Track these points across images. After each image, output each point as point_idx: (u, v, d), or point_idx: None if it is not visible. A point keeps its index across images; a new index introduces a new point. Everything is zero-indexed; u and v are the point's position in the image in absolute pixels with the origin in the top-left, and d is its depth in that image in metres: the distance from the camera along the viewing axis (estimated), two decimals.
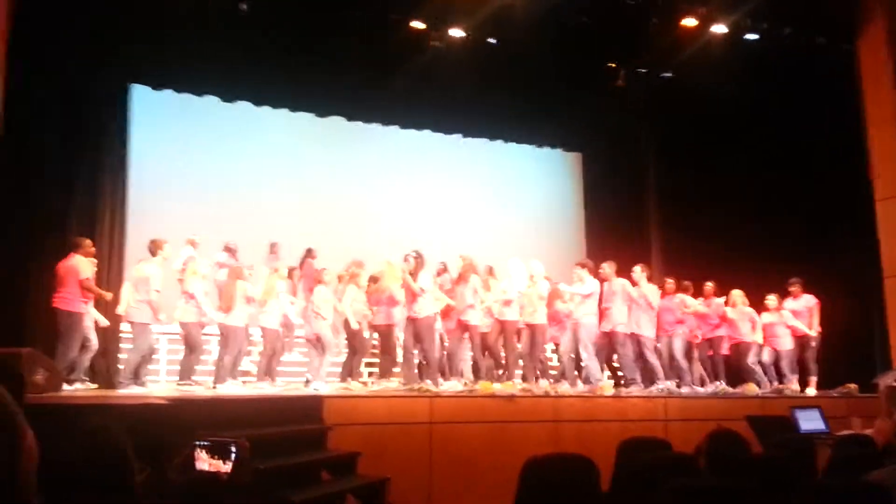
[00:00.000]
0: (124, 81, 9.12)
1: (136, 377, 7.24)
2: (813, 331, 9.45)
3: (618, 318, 8.46)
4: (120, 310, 7.59)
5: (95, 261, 7.55)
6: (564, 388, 7.98)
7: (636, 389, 8.24)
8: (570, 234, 12.11)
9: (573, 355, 8.51)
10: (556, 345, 9.08)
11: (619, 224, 11.71)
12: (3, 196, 7.56)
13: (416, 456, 6.40)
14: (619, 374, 8.86)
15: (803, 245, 10.63)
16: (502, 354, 8.50)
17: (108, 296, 7.48)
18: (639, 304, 8.59)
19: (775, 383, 9.23)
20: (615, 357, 8.81)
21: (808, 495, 2.95)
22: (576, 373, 8.59)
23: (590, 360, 8.21)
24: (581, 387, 8.25)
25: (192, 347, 7.58)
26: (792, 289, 9.64)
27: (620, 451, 4.17)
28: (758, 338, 9.36)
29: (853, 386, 8.94)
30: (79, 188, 8.46)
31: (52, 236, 8.14)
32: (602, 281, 8.62)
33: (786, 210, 10.88)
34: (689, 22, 9.53)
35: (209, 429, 3.74)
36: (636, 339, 8.55)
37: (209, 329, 8.01)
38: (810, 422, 5.75)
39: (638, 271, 8.91)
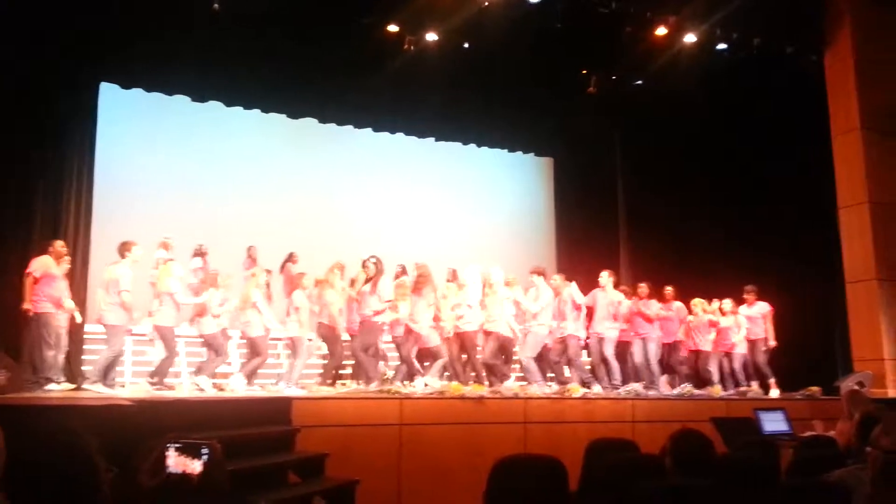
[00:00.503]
0: (92, 79, 8.94)
1: (104, 378, 7.14)
2: (770, 339, 9.65)
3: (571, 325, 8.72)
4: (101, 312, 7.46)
5: (68, 258, 7.46)
6: (533, 389, 8.02)
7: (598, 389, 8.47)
8: (540, 238, 12.18)
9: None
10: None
11: (589, 228, 11.83)
12: None
13: (386, 458, 6.39)
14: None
15: (769, 250, 10.82)
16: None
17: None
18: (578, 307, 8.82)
19: (741, 387, 9.41)
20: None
21: (771, 495, 3.01)
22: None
23: (530, 364, 8.33)
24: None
25: (167, 350, 7.55)
26: (747, 296, 9.81)
27: (588, 452, 4.21)
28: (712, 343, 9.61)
29: (816, 389, 9.12)
30: (42, 188, 8.25)
31: (16, 237, 7.98)
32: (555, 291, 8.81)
33: (752, 216, 11.08)
34: (661, 31, 9.66)
35: (176, 430, 3.69)
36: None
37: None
38: (774, 423, 5.85)
39: (605, 277, 9.06)
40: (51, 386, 6.89)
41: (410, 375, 8.03)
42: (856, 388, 7.83)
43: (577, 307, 8.76)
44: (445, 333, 8.27)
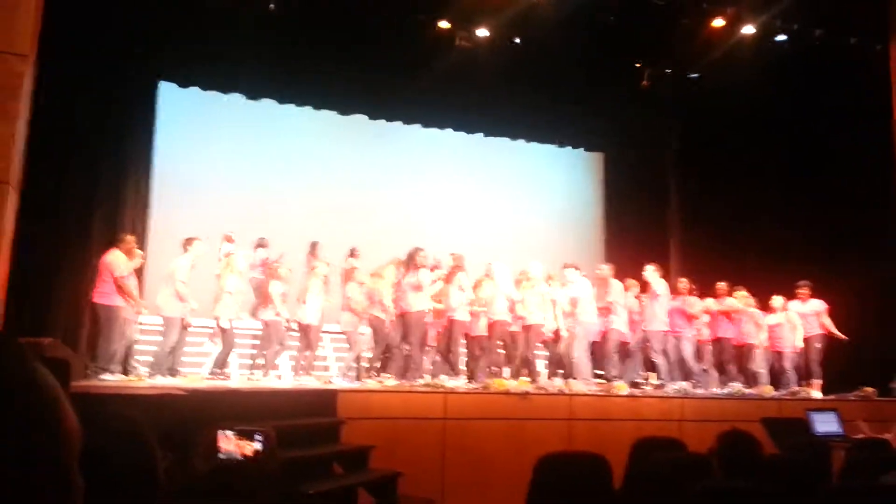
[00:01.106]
0: (151, 78, 9.23)
1: (162, 369, 7.42)
2: (835, 334, 9.36)
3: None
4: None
5: (141, 253, 7.78)
6: (579, 386, 7.97)
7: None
8: (590, 234, 12.05)
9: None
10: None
11: (639, 225, 11.65)
12: (29, 192, 7.70)
13: (429, 451, 6.42)
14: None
15: (828, 246, 10.51)
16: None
17: (137, 304, 7.53)
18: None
19: (792, 387, 9.19)
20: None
21: (823, 497, 2.95)
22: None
23: (580, 361, 8.24)
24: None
25: (225, 342, 7.82)
26: (800, 291, 9.54)
27: (634, 450, 4.18)
28: (763, 341, 9.36)
29: (871, 389, 8.82)
30: (103, 184, 8.56)
31: (77, 232, 8.29)
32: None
33: (811, 212, 10.76)
34: (718, 23, 9.46)
35: (230, 419, 3.80)
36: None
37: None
38: (826, 424, 5.70)
39: (651, 270, 8.97)
40: (105, 376, 7.12)
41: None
42: None
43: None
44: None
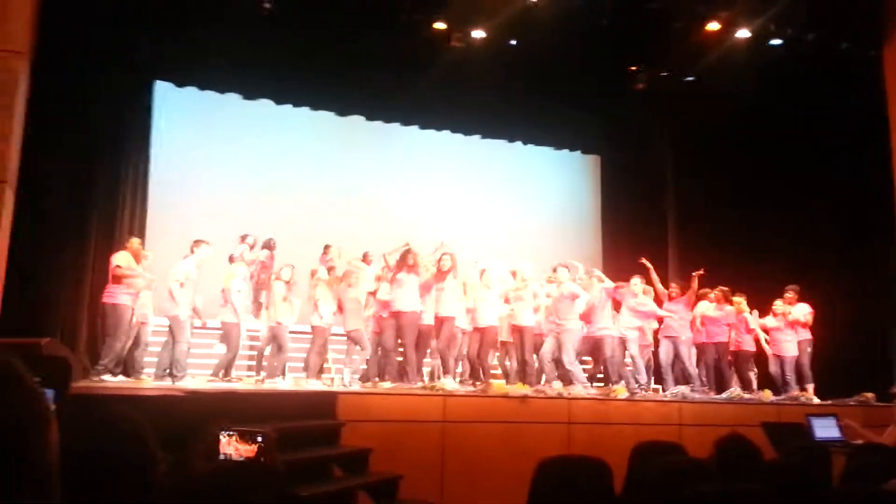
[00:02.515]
0: (148, 78, 9.21)
1: (167, 371, 7.46)
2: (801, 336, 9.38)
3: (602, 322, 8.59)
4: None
5: (149, 255, 7.87)
6: (578, 390, 7.97)
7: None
8: (586, 236, 12.08)
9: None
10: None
11: (636, 227, 11.67)
12: (26, 191, 7.68)
13: (429, 454, 6.42)
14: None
15: (824, 250, 10.54)
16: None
17: (142, 278, 7.59)
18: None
19: (791, 391, 9.19)
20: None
21: (822, 502, 2.95)
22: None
23: (571, 366, 8.18)
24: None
25: (228, 346, 7.87)
26: (787, 296, 9.52)
27: (634, 454, 4.17)
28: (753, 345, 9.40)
29: (870, 395, 8.85)
30: (99, 183, 8.55)
31: (74, 231, 8.27)
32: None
33: (806, 216, 10.79)
34: (713, 26, 9.48)
35: (227, 421, 3.79)
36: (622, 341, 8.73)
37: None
38: (826, 429, 5.70)
39: (637, 283, 8.93)
40: (106, 376, 7.15)
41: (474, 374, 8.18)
42: None
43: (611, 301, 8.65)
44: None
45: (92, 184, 8.50)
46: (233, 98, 9.86)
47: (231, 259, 8.21)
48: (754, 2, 9.28)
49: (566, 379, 8.18)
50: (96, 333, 8.00)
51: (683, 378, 8.93)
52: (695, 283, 9.06)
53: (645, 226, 11.63)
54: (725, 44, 9.67)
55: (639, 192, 11.86)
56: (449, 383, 7.54)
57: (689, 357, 8.95)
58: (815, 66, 9.96)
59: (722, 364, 9.24)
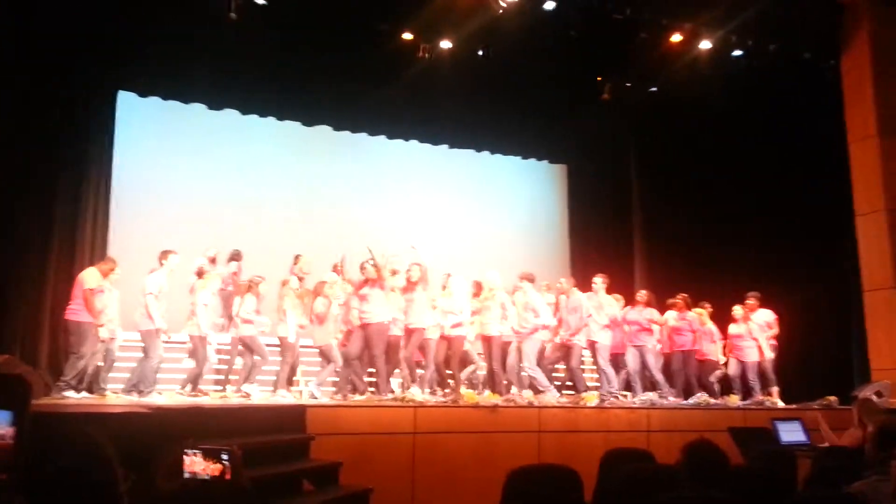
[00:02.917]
0: (110, 88, 9.05)
1: (136, 386, 7.33)
2: (767, 349, 9.46)
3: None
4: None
5: (118, 272, 7.66)
6: (548, 398, 7.99)
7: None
8: (554, 245, 12.16)
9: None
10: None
11: (603, 236, 11.80)
12: None
13: (400, 466, 6.38)
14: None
15: (787, 258, 10.74)
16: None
17: (99, 320, 7.44)
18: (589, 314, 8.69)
19: (756, 396, 9.32)
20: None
21: None
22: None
23: (532, 371, 8.15)
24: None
25: (196, 360, 7.77)
26: (749, 302, 9.63)
27: (604, 462, 4.19)
28: (719, 355, 9.53)
29: (833, 398, 9.02)
30: (61, 196, 8.35)
31: (35, 244, 8.08)
32: (559, 294, 8.77)
33: (769, 224, 11.00)
34: (676, 38, 9.64)
35: (193, 438, 3.72)
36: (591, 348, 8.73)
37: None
38: (791, 434, 5.80)
39: (599, 282, 8.93)
40: (69, 393, 7.03)
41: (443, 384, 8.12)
42: (870, 397, 7.77)
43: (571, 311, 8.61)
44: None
45: (53, 196, 8.31)
46: (197, 108, 9.73)
47: (200, 273, 8.07)
48: (716, 14, 9.47)
49: (532, 386, 8.19)
50: (58, 349, 7.84)
51: (651, 385, 9.01)
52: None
53: (611, 234, 11.76)
54: (689, 55, 9.86)
55: (605, 201, 11.99)
56: (417, 393, 7.50)
57: (656, 365, 9.01)
58: (776, 76, 10.18)
59: (688, 371, 9.34)
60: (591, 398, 8.03)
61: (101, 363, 7.68)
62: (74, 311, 7.25)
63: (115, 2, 8.13)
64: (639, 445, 5.63)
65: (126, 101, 9.28)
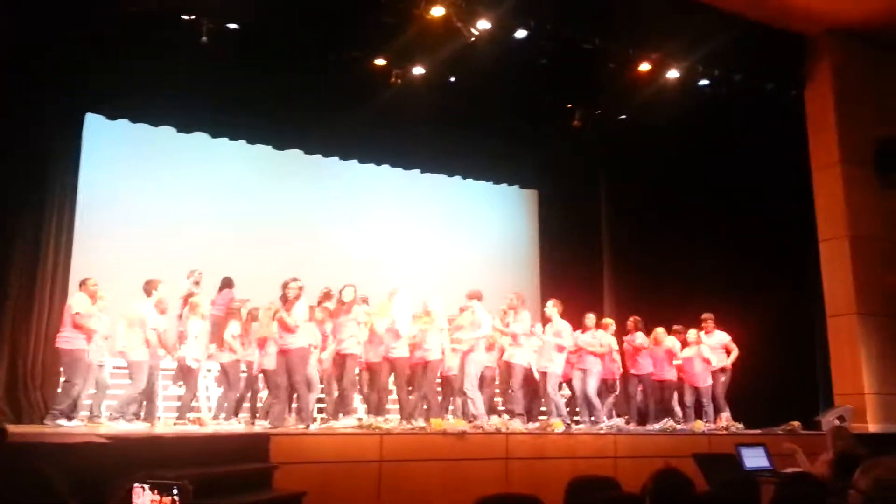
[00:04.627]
0: (78, 110, 8.92)
1: (125, 414, 7.27)
2: (722, 365, 9.52)
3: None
4: (117, 346, 7.69)
5: (105, 296, 7.61)
6: (515, 424, 7.94)
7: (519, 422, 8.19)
8: (524, 270, 12.20)
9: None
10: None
11: (573, 261, 11.87)
12: None
13: (366, 495, 6.29)
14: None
15: (752, 284, 10.88)
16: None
17: (96, 332, 7.45)
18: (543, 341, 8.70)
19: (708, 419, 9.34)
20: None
21: None
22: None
23: (471, 392, 8.02)
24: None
25: (187, 387, 7.73)
26: (704, 324, 9.70)
27: (569, 490, 4.19)
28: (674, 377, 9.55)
29: (796, 423, 9.09)
30: (25, 220, 8.16)
31: None
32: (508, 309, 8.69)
33: (735, 249, 11.15)
34: (644, 67, 9.81)
35: (154, 468, 3.63)
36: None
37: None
38: (755, 459, 5.83)
39: (550, 306, 8.88)
40: (61, 421, 6.97)
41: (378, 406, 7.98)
42: (839, 423, 7.86)
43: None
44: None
45: (17, 219, 8.13)
46: (167, 131, 9.64)
47: (187, 299, 7.98)
48: (682, 44, 9.66)
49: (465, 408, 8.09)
50: (16, 378, 7.67)
51: (619, 409, 9.02)
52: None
53: (581, 259, 11.84)
54: (657, 84, 10.02)
55: (575, 226, 12.09)
56: (350, 421, 7.38)
57: (595, 388, 8.87)
58: (741, 105, 10.39)
59: (645, 394, 9.33)
60: (558, 424, 8.01)
61: (93, 390, 7.61)
62: (67, 340, 7.20)
63: (86, 24, 8.04)
64: (606, 472, 5.65)
65: (94, 124, 9.16)
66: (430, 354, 8.12)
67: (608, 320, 9.53)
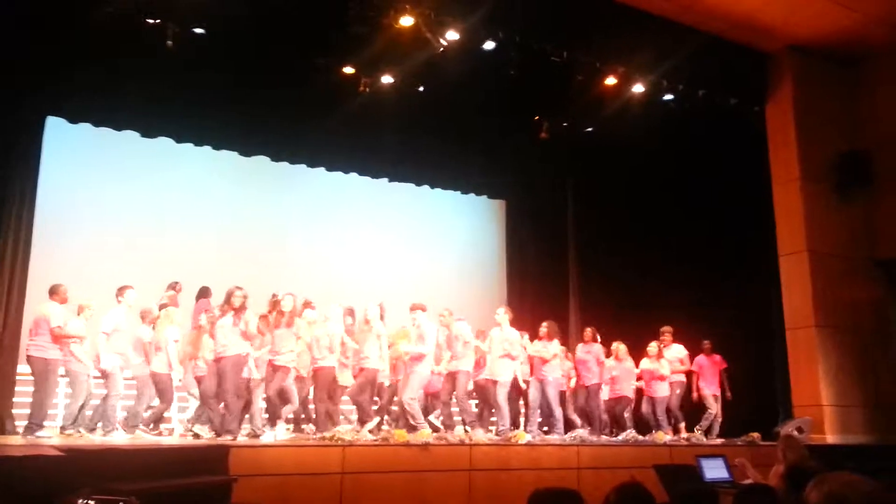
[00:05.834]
0: (38, 113, 8.72)
1: (126, 424, 7.26)
2: (678, 378, 9.66)
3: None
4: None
5: (87, 303, 7.52)
6: (479, 435, 7.92)
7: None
8: (492, 280, 12.24)
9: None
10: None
11: (540, 271, 11.94)
12: None
13: None
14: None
15: (713, 296, 11.02)
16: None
17: (80, 341, 7.34)
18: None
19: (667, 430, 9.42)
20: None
21: None
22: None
23: (409, 404, 7.88)
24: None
25: (161, 398, 7.61)
26: (663, 338, 9.81)
27: (531, 503, 4.17)
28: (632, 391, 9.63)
29: (756, 435, 9.22)
30: None
31: None
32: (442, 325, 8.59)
33: (698, 262, 11.29)
34: (610, 81, 9.91)
35: (108, 481, 3.54)
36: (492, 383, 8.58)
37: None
38: (715, 470, 5.89)
39: (501, 313, 8.84)
40: (41, 433, 6.85)
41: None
42: (792, 433, 7.97)
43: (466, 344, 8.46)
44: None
45: None
46: (130, 135, 9.47)
47: (163, 307, 7.85)
48: (646, 59, 9.79)
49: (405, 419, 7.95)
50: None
51: (584, 419, 9.05)
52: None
53: (548, 269, 11.91)
54: (622, 97, 10.13)
55: (542, 237, 12.16)
56: (280, 432, 7.32)
57: (556, 398, 8.93)
58: (704, 119, 10.54)
59: (591, 405, 9.34)
60: (522, 435, 8.01)
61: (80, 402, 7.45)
62: (38, 348, 7.07)
63: (47, 25, 7.88)
64: (569, 483, 5.65)
65: (55, 127, 8.97)
66: (368, 363, 8.07)
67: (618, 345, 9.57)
